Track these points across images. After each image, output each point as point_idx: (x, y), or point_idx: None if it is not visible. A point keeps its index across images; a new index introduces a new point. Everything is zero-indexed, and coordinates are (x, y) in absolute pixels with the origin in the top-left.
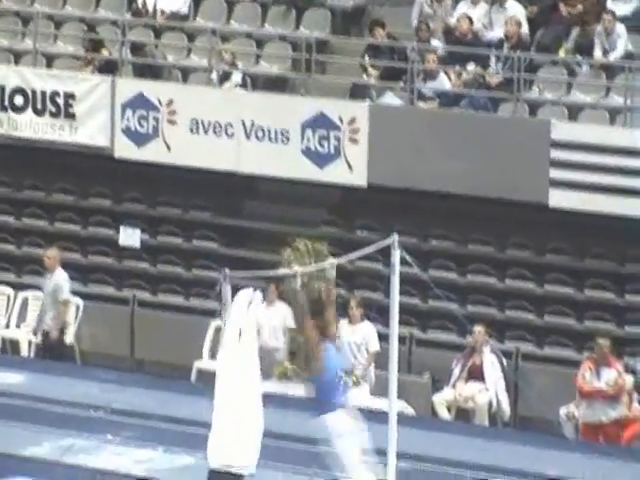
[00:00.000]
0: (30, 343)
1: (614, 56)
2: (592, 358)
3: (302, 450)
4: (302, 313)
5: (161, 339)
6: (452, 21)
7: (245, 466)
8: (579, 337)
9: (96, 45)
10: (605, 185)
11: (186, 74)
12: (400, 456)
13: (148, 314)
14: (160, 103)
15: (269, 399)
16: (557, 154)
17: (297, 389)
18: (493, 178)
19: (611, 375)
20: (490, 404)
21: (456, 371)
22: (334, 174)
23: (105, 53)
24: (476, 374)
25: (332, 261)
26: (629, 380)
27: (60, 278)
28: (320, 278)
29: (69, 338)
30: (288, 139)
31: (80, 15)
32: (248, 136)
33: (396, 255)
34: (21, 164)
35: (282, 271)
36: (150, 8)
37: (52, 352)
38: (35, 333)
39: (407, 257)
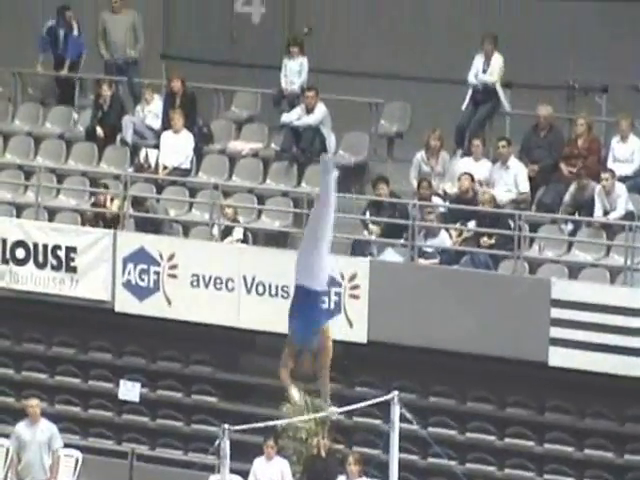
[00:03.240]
0: None
1: (614, 216)
2: None
3: None
4: None
5: None
6: (451, 178)
7: None
8: None
9: (102, 200)
10: (605, 344)
11: (187, 229)
12: None
13: (147, 468)
14: (161, 257)
15: None
16: (557, 312)
17: None
18: (493, 336)
19: None
20: None
21: None
22: (335, 330)
23: (115, 207)
24: None
25: (333, 409)
26: None
27: (53, 428)
28: (318, 431)
29: None
30: (288, 294)
31: (82, 169)
32: (249, 291)
33: (396, 411)
34: (21, 317)
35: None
36: (152, 163)
37: None
38: None
39: (407, 414)
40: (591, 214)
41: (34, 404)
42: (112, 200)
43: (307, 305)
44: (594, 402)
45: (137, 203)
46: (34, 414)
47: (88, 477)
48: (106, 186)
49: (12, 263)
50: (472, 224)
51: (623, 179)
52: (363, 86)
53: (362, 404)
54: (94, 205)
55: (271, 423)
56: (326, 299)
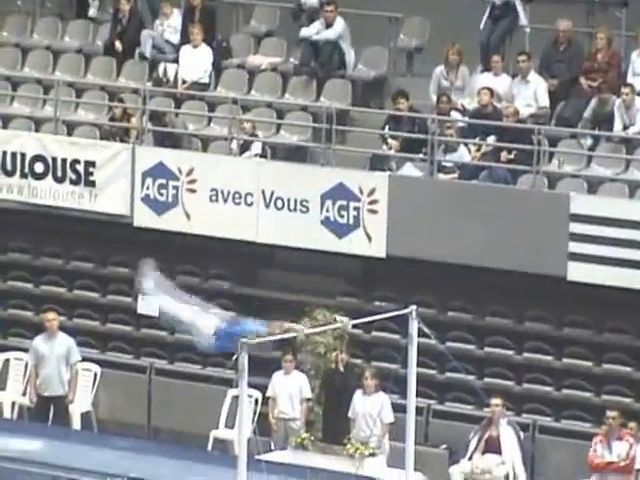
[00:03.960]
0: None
1: (634, 130)
2: (604, 431)
3: None
4: None
5: (178, 407)
6: (470, 93)
7: None
8: (597, 411)
9: (120, 114)
10: (624, 258)
11: (206, 143)
12: None
13: (165, 382)
14: (180, 172)
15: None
16: (576, 227)
17: (314, 459)
18: (512, 250)
19: (623, 447)
20: (507, 477)
21: (473, 443)
22: (353, 245)
23: (133, 122)
24: (493, 446)
25: (347, 321)
26: None
27: (70, 341)
28: (336, 346)
29: (86, 405)
30: (307, 209)
31: (101, 83)
32: (267, 205)
33: (414, 326)
34: (40, 231)
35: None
36: (171, 77)
37: (59, 417)
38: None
39: (425, 328)
40: (610, 129)
41: (52, 318)
42: (129, 115)
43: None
44: (612, 317)
45: (156, 118)
46: (52, 328)
47: (106, 391)
48: (121, 100)
49: (31, 177)
50: (491, 139)
51: None
52: (382, 0)
53: (380, 316)
54: (112, 119)
55: (288, 336)
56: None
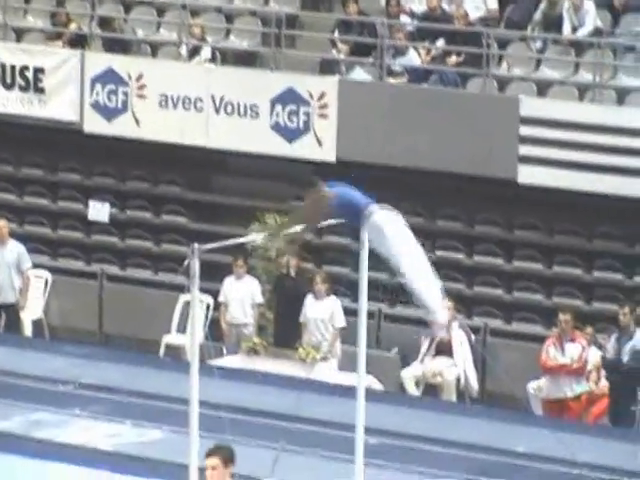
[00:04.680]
0: None
1: (583, 32)
2: (556, 334)
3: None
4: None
5: (130, 314)
6: None
7: None
8: (547, 313)
9: (64, 19)
10: (574, 161)
11: (155, 49)
12: (367, 431)
13: (117, 288)
14: (129, 78)
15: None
16: (526, 130)
17: (265, 364)
18: (462, 154)
19: (575, 350)
20: (458, 380)
21: (424, 346)
22: (303, 149)
23: (74, 27)
24: (444, 350)
25: (299, 227)
26: (596, 355)
27: (20, 248)
28: (287, 250)
29: (37, 312)
30: (257, 114)
31: None
32: (217, 111)
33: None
34: None
35: (250, 241)
36: None
37: (10, 324)
38: None
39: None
40: (560, 31)
41: (1, 225)
42: (70, 20)
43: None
44: (563, 219)
45: (105, 23)
46: (2, 235)
47: (58, 298)
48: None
49: None
50: (441, 42)
51: None
52: None
53: (332, 222)
54: (54, 25)
55: (240, 241)
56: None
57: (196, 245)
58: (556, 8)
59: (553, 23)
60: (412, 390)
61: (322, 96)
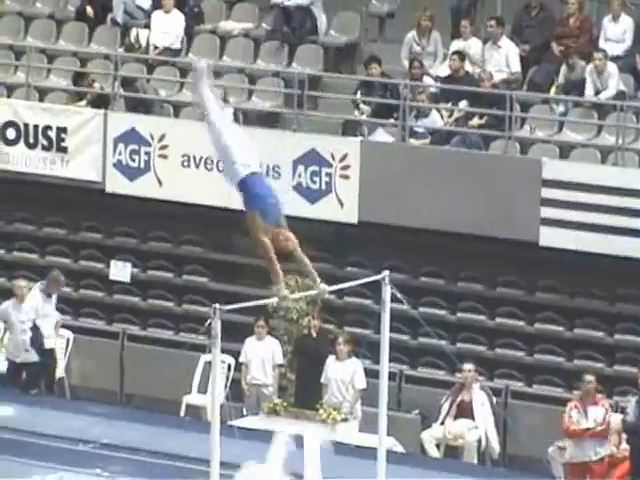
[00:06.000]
0: None
1: (606, 95)
2: (578, 397)
3: None
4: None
5: (151, 373)
6: (443, 58)
7: None
8: (568, 375)
9: (87, 79)
10: (596, 224)
11: (178, 109)
12: None
13: (138, 348)
14: (152, 138)
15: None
16: (548, 192)
17: (286, 425)
18: (484, 216)
19: (599, 413)
20: (479, 442)
21: (445, 408)
22: (325, 210)
23: (97, 87)
24: (465, 411)
25: (323, 287)
26: (617, 419)
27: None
28: (309, 311)
29: (59, 371)
30: (279, 175)
31: (73, 49)
32: None
33: (387, 291)
34: (12, 197)
35: (272, 303)
36: (143, 43)
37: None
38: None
39: (397, 294)
40: (582, 94)
41: (22, 284)
42: (93, 80)
43: (267, 186)
44: (584, 282)
45: (127, 83)
46: (21, 294)
47: (79, 357)
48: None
49: (3, 143)
50: (463, 104)
51: (615, 59)
52: None
53: (353, 283)
54: (77, 85)
55: (262, 302)
56: None
57: (217, 306)
58: (575, 71)
59: (575, 86)
60: (433, 452)
61: (344, 157)
